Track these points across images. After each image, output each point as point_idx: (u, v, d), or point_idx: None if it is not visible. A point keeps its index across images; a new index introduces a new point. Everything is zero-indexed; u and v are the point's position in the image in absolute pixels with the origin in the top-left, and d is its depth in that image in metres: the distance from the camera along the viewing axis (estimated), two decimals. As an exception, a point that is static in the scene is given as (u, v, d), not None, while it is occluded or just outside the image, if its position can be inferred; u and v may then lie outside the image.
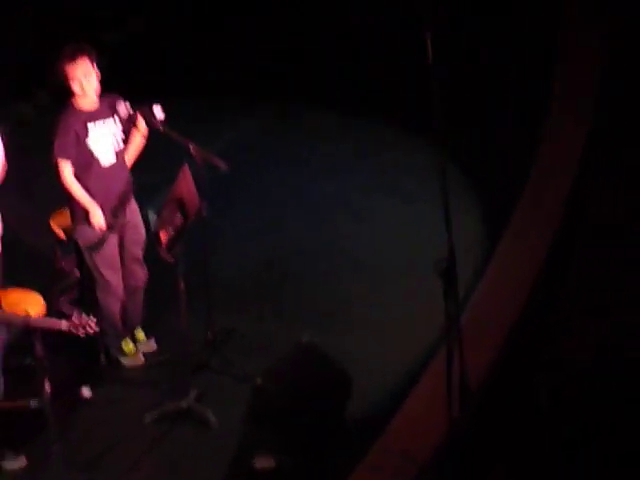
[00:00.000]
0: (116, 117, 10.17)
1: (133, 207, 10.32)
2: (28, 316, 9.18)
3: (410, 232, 12.04)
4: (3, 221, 9.90)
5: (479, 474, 9.14)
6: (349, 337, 10.74)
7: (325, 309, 11.25)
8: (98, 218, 9.73)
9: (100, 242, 10.12)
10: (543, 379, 10.52)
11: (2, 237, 9.78)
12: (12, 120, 13.56)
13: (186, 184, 9.91)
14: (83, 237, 10.02)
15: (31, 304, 9.46)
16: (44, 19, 17.08)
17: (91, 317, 9.10)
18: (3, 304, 9.49)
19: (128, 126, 10.32)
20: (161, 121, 10.01)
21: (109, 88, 10.86)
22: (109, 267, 10.05)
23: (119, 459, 9.62)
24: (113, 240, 10.12)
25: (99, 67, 10.83)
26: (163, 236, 9.93)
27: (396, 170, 13.64)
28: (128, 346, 10.48)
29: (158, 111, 9.95)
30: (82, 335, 9.20)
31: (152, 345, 10.70)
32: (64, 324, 9.05)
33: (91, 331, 9.22)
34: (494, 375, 9.76)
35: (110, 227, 10.00)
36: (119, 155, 10.05)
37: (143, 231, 10.50)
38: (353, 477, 8.67)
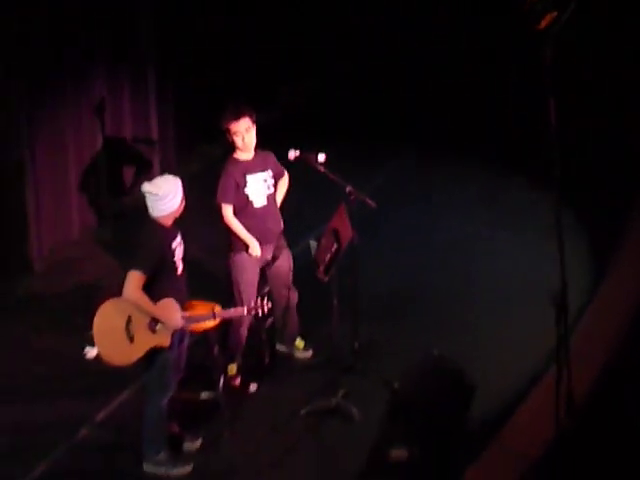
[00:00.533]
0: (269, 169, 10.60)
1: (281, 241, 10.77)
2: (214, 311, 9.65)
3: (527, 265, 12.24)
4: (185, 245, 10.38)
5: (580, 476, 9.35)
6: (473, 352, 11.01)
7: (454, 327, 11.54)
8: (256, 249, 10.24)
9: (249, 269, 10.58)
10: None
11: (184, 258, 10.35)
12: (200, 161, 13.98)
13: (341, 218, 10.30)
14: (236, 265, 10.49)
15: (210, 308, 9.79)
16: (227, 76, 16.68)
17: (265, 301, 9.82)
18: (189, 309, 9.62)
19: (278, 176, 10.70)
20: (323, 165, 10.53)
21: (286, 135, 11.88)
22: (250, 292, 10.42)
23: (278, 445, 9.98)
24: (257, 269, 10.60)
25: (272, 119, 11.54)
26: (321, 261, 10.17)
27: (517, 212, 13.70)
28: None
29: (321, 157, 10.45)
30: (260, 314, 9.98)
31: (308, 353, 11.12)
32: (245, 310, 9.85)
33: (266, 310, 9.86)
34: (598, 390, 10.27)
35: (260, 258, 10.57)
36: (270, 198, 10.51)
37: (290, 261, 10.89)
38: (471, 469, 9.33)
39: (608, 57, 18.20)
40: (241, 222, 10.34)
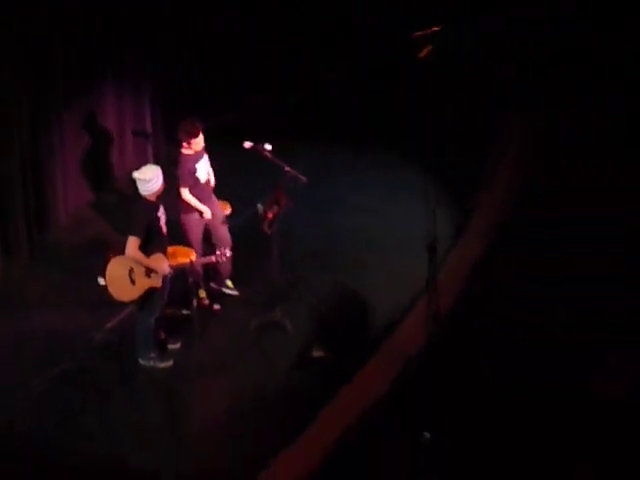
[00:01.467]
0: (205, 154, 11.22)
1: (216, 203, 11.32)
2: (191, 259, 10.40)
3: (410, 222, 12.08)
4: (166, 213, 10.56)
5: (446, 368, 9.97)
6: (371, 284, 11.54)
7: (358, 267, 11.93)
8: (208, 213, 10.87)
9: (196, 227, 11.07)
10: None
11: (166, 223, 10.39)
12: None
13: (281, 189, 10.93)
14: (187, 224, 11.00)
15: (187, 253, 10.67)
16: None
17: (224, 250, 10.56)
18: (171, 256, 10.39)
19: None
20: (269, 152, 11.06)
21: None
22: (197, 240, 11.03)
23: (234, 347, 10.76)
24: (202, 226, 11.11)
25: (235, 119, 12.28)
26: (266, 218, 10.84)
27: (400, 185, 13.57)
28: (202, 293, 11.36)
29: (268, 147, 10.98)
30: (224, 260, 10.76)
31: (235, 292, 11.54)
32: (213, 257, 10.56)
33: (228, 256, 10.64)
34: (456, 308, 11.11)
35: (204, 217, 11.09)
36: (208, 173, 11.16)
37: (223, 214, 11.44)
38: (369, 363, 10.30)
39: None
40: (194, 195, 10.91)
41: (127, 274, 9.92)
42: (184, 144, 11.07)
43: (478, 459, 9.12)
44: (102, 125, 13.71)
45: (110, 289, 10.00)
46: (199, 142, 11.06)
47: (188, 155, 11.08)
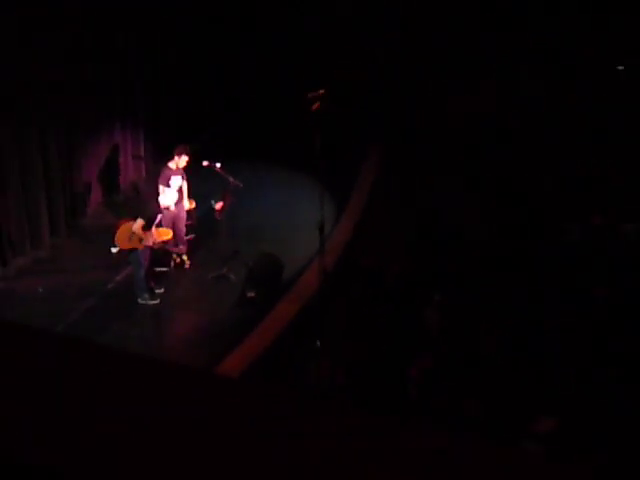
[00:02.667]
0: (181, 175, 11.16)
1: (183, 205, 11.33)
2: (171, 237, 10.95)
3: (306, 209, 11.76)
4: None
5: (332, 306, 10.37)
6: (283, 251, 11.53)
7: (275, 239, 11.88)
8: (171, 207, 11.03)
9: (169, 218, 11.09)
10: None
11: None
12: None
13: (228, 192, 11.33)
14: (164, 217, 10.95)
15: (166, 233, 10.97)
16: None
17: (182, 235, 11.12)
18: (158, 234, 10.70)
19: (184, 178, 11.24)
20: (219, 168, 11.27)
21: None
22: (167, 225, 10.97)
23: (197, 290, 11.39)
24: (171, 218, 11.12)
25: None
26: (218, 210, 11.37)
27: (302, 189, 12.98)
28: (182, 256, 11.45)
29: (218, 165, 11.23)
30: (184, 240, 11.26)
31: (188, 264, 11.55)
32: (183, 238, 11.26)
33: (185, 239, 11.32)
34: (336, 267, 11.24)
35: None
36: (180, 187, 11.17)
37: (185, 213, 11.41)
38: (282, 301, 10.84)
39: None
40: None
41: (129, 234, 10.43)
42: (173, 159, 11.12)
43: (351, 360, 9.55)
44: (112, 150, 13.49)
45: (117, 237, 10.48)
46: (182, 161, 11.12)
47: (170, 168, 11.14)
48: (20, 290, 10.93)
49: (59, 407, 1.18)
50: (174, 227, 11.27)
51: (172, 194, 11.06)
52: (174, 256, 11.51)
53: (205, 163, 11.36)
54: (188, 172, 11.44)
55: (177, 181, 11.24)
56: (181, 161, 11.21)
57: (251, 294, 10.85)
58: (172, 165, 11.24)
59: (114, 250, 10.74)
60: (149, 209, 10.93)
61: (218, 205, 11.47)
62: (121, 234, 10.51)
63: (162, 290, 11.00)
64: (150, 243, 10.59)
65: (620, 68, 15.29)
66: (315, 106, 10.52)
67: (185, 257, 11.53)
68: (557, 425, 8.13)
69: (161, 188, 11.04)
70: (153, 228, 10.67)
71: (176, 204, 11.22)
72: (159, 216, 10.81)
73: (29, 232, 11.74)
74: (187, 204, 11.46)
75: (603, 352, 9.45)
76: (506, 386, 8.79)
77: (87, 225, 12.81)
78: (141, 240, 10.48)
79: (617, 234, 11.80)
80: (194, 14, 15.03)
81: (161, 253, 11.24)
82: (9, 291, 10.90)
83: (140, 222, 10.50)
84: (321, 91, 10.53)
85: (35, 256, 11.75)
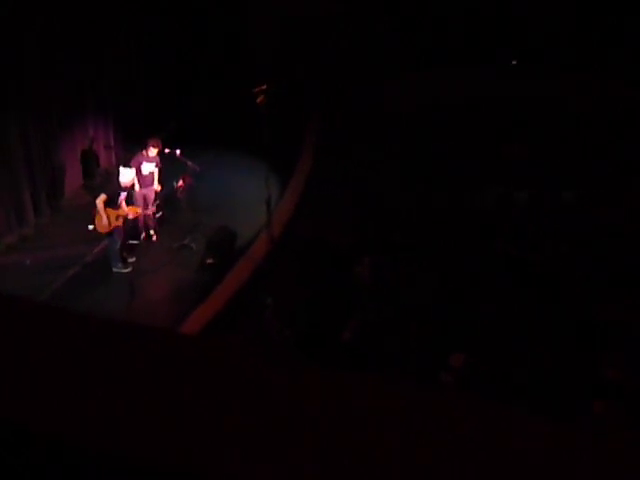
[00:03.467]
0: (154, 162, 10.93)
1: (152, 188, 11.06)
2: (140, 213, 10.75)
3: (256, 190, 11.33)
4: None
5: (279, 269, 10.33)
6: (238, 223, 11.37)
7: (231, 215, 11.60)
8: (136, 185, 10.66)
9: (139, 196, 10.87)
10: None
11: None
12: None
13: (187, 174, 11.23)
14: (135, 195, 10.81)
15: (137, 210, 10.71)
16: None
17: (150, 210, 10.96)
18: (130, 211, 10.51)
19: (157, 165, 10.99)
20: (180, 154, 11.05)
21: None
22: (141, 204, 10.82)
23: (163, 257, 10.97)
24: (143, 196, 10.89)
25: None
26: (179, 189, 11.35)
27: (253, 171, 12.26)
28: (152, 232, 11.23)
29: (178, 151, 10.99)
30: (150, 215, 11.01)
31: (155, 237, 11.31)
32: (147, 211, 10.92)
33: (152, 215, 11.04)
34: (281, 236, 11.22)
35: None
36: (151, 172, 10.91)
37: (153, 194, 11.13)
38: (237, 265, 10.61)
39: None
40: (138, 180, 10.72)
41: (106, 218, 10.20)
42: (147, 148, 10.93)
43: (295, 313, 9.56)
44: (86, 141, 13.14)
45: (96, 224, 10.23)
46: (153, 152, 10.90)
47: (142, 155, 10.95)
48: (9, 264, 10.70)
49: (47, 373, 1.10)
50: (144, 205, 11.08)
51: (129, 174, 10.63)
52: (149, 231, 11.40)
53: (167, 150, 11.15)
54: (161, 161, 11.24)
55: (148, 167, 11.03)
56: (151, 151, 10.98)
57: (210, 260, 10.78)
58: (144, 153, 11.04)
59: (91, 227, 10.49)
60: (113, 189, 10.68)
61: (179, 185, 11.37)
62: (99, 222, 10.31)
63: (134, 259, 10.89)
64: (126, 216, 10.44)
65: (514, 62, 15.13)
66: (260, 99, 10.53)
67: (152, 231, 11.37)
68: (466, 360, 8.23)
69: (121, 169, 10.71)
70: (123, 205, 10.44)
71: (147, 186, 11.03)
72: (123, 194, 10.50)
73: (15, 213, 11.45)
74: (157, 187, 11.25)
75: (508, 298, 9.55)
76: (426, 328, 8.86)
77: (66, 206, 12.49)
78: (117, 218, 10.29)
79: (513, 201, 11.93)
80: (161, 19, 14.68)
81: (132, 227, 11.05)
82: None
83: (102, 197, 10.24)
84: (264, 86, 10.47)
85: (21, 234, 11.52)
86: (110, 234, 10.38)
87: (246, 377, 1.10)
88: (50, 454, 1.03)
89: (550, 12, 15.28)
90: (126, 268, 10.68)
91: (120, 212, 10.36)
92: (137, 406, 1.05)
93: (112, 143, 13.70)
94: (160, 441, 0.99)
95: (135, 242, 11.21)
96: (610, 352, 8.36)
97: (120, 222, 10.40)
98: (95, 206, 10.25)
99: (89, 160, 13.27)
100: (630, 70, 14.24)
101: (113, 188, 10.68)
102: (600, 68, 14.63)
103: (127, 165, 10.79)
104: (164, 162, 11.27)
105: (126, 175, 10.57)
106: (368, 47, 15.55)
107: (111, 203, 10.30)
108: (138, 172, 10.85)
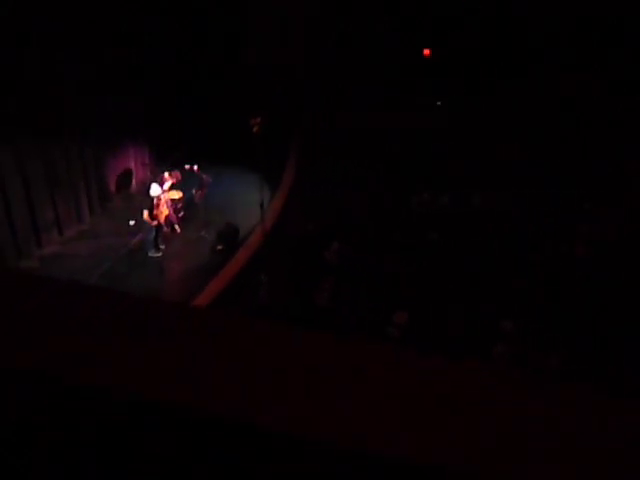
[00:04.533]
0: (177, 179, 10.61)
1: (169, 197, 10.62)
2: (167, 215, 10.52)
3: (251, 195, 10.98)
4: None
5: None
6: (240, 219, 11.10)
7: (234, 214, 11.30)
8: (160, 196, 10.21)
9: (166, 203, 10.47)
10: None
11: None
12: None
13: (203, 184, 11.37)
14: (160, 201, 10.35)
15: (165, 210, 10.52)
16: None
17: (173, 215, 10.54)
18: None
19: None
20: (197, 170, 11.14)
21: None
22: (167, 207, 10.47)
23: (184, 247, 10.76)
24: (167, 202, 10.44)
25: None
26: (197, 195, 11.25)
27: (251, 181, 11.50)
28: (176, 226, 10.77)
29: (195, 167, 11.13)
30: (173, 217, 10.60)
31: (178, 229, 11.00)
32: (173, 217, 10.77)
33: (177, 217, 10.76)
34: (275, 229, 11.02)
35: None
36: (170, 187, 10.62)
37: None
38: (240, 251, 10.38)
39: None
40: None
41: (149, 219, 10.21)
42: (169, 173, 10.89)
43: (282, 287, 9.20)
44: (126, 159, 12.74)
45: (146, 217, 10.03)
46: (172, 177, 10.84)
47: (164, 177, 10.84)
48: (70, 251, 10.55)
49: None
50: (170, 209, 10.92)
51: (157, 189, 10.40)
52: (174, 226, 11.20)
53: (187, 166, 11.26)
54: (181, 176, 11.14)
55: (167, 184, 10.87)
56: (171, 177, 10.93)
57: (220, 247, 10.70)
58: (166, 175, 10.95)
59: (132, 223, 10.66)
60: (148, 201, 10.49)
61: (196, 192, 11.38)
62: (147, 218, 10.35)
63: (163, 247, 10.81)
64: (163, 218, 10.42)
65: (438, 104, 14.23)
66: (255, 128, 10.31)
67: (177, 226, 11.18)
68: (408, 318, 8.13)
69: (152, 185, 10.56)
70: (160, 208, 10.40)
71: (163, 194, 10.73)
72: (155, 201, 10.37)
73: (75, 213, 11.34)
74: (177, 195, 11.04)
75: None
76: (376, 294, 8.79)
77: (113, 207, 12.31)
78: (154, 217, 10.32)
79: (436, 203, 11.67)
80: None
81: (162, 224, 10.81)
82: (63, 253, 10.58)
83: (145, 213, 10.24)
84: (258, 119, 10.33)
85: (79, 229, 11.37)
86: (148, 224, 10.29)
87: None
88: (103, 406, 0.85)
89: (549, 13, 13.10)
90: (157, 253, 10.59)
91: (158, 213, 10.36)
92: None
93: (147, 161, 13.41)
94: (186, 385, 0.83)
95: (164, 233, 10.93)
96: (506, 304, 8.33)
97: (159, 219, 10.35)
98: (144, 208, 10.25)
99: (128, 175, 12.99)
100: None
101: (144, 198, 10.57)
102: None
103: (156, 181, 10.67)
104: (184, 176, 11.17)
105: (155, 189, 10.42)
106: (330, 91, 14.68)
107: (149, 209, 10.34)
108: (162, 185, 10.72)
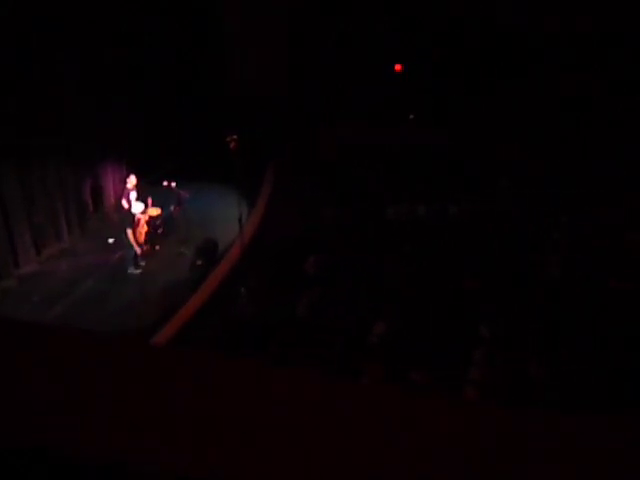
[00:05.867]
0: (135, 190, 10.29)
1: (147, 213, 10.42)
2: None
3: (229, 210, 10.72)
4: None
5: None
6: (220, 234, 10.95)
7: (215, 227, 11.32)
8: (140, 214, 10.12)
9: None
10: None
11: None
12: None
13: (181, 201, 11.16)
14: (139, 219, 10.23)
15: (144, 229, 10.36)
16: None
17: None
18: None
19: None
20: (174, 187, 10.93)
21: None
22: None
23: (164, 262, 10.62)
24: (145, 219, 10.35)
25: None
26: (175, 211, 11.15)
27: (229, 196, 11.46)
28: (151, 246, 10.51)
29: (173, 184, 10.88)
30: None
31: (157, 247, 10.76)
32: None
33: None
34: (250, 243, 10.89)
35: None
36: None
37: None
38: (221, 263, 10.29)
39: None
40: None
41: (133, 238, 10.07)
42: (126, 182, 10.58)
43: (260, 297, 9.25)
44: (103, 179, 12.45)
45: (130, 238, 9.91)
46: (132, 182, 10.52)
47: (127, 189, 10.55)
48: (49, 269, 10.45)
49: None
50: (148, 225, 10.83)
51: (140, 206, 10.42)
52: (154, 245, 11.15)
53: (165, 183, 11.09)
54: (153, 190, 10.96)
55: (134, 194, 10.68)
56: (130, 182, 10.72)
57: (199, 262, 10.63)
58: (128, 186, 10.76)
59: (111, 241, 10.62)
60: (129, 218, 10.35)
61: (174, 208, 11.26)
62: (131, 237, 10.21)
63: (144, 263, 10.70)
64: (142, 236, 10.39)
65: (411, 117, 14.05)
66: (232, 145, 10.17)
67: (157, 247, 11.13)
68: (386, 328, 8.08)
69: (134, 202, 10.52)
70: (139, 227, 10.37)
71: (144, 212, 10.69)
72: (137, 218, 10.34)
73: (54, 231, 11.15)
74: (155, 212, 10.89)
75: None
76: (353, 304, 8.83)
77: (92, 226, 12.17)
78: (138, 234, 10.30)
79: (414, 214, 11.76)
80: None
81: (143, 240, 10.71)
82: (43, 270, 10.47)
83: (129, 231, 10.12)
84: (235, 136, 10.25)
85: (59, 247, 11.23)
86: (129, 241, 10.14)
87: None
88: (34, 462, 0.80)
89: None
90: (137, 270, 10.49)
91: (137, 231, 10.28)
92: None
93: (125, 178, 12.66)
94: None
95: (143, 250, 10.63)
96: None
97: (139, 238, 10.30)
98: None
99: (98, 191, 12.68)
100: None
101: (124, 217, 10.41)
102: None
103: (137, 199, 10.58)
104: (163, 193, 10.99)
105: (138, 207, 10.36)
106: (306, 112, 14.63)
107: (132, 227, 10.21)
108: (127, 199, 10.48)
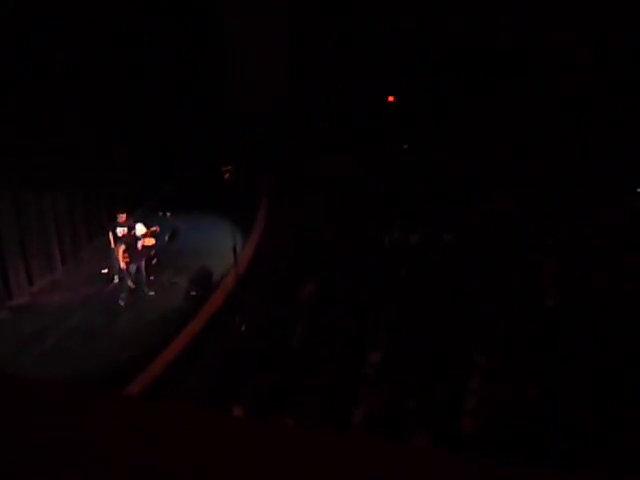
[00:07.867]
0: (129, 225, 9.98)
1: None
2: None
3: (224, 240, 10.56)
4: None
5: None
6: (214, 264, 10.67)
7: (209, 257, 10.88)
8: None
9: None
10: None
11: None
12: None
13: (175, 230, 11.10)
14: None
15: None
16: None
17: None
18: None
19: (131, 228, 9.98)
20: (169, 216, 11.03)
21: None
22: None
23: (158, 289, 10.37)
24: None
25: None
26: (170, 241, 11.07)
27: (223, 227, 11.17)
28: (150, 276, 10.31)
29: (168, 213, 11.03)
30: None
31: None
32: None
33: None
34: (245, 273, 10.77)
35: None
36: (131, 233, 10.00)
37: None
38: (216, 293, 10.11)
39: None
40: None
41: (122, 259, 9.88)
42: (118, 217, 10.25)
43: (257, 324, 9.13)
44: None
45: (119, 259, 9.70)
46: (122, 217, 10.18)
47: (117, 222, 10.25)
48: (42, 300, 10.28)
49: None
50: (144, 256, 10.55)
51: (142, 228, 10.15)
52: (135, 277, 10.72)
53: (160, 213, 11.27)
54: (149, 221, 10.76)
55: (122, 230, 10.30)
56: (120, 217, 10.33)
57: (193, 292, 10.54)
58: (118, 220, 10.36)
59: (104, 271, 10.41)
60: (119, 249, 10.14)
61: (169, 239, 11.21)
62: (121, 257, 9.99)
63: (152, 293, 10.44)
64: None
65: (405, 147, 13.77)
66: (227, 176, 10.53)
67: (151, 277, 10.88)
68: (381, 357, 8.06)
69: (137, 225, 10.21)
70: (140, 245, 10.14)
71: (144, 235, 10.52)
72: (140, 242, 10.09)
73: (46, 264, 10.95)
74: (150, 242, 10.56)
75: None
76: (350, 333, 8.70)
77: (85, 256, 11.86)
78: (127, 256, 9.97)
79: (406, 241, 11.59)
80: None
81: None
82: (35, 303, 10.25)
83: (122, 262, 9.80)
84: (229, 166, 10.40)
85: (51, 278, 10.98)
86: (122, 272, 9.94)
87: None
88: None
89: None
90: (122, 301, 10.12)
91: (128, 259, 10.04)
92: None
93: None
94: None
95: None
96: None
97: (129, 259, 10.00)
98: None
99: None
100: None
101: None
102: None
103: (137, 221, 10.39)
104: (158, 222, 10.91)
105: (140, 229, 10.15)
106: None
107: (130, 249, 9.93)
108: (113, 233, 10.20)
